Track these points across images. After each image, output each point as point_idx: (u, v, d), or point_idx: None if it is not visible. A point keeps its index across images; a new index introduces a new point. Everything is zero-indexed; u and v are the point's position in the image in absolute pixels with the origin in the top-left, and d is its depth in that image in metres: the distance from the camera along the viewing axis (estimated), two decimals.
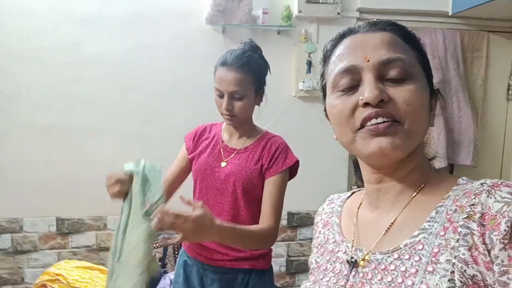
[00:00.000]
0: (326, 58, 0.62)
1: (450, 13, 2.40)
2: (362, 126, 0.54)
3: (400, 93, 0.53)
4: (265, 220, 1.28)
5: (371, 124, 0.53)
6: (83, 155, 2.25)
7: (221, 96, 1.30)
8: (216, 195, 1.35)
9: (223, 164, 1.36)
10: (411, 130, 0.53)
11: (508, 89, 2.59)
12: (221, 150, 1.39)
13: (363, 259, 0.58)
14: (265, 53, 2.32)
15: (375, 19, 0.61)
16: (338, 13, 2.32)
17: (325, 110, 0.63)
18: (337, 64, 0.58)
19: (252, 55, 1.33)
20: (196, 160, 1.42)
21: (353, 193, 0.71)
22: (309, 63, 2.34)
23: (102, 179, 2.19)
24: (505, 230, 0.45)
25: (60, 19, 2.18)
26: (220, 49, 2.31)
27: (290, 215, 2.48)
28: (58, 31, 2.18)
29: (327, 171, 2.49)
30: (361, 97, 0.54)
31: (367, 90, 0.53)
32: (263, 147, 1.36)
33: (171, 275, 2.12)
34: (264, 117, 2.35)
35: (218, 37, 2.30)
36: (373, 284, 0.55)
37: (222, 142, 1.41)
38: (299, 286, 2.77)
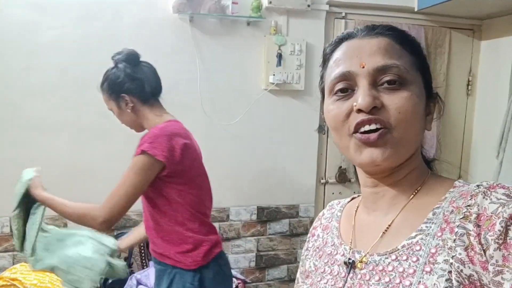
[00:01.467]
0: (325, 62, 0.63)
1: (416, 9, 2.45)
2: (355, 130, 0.55)
3: (393, 101, 0.54)
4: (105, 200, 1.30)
5: (363, 132, 0.54)
6: (36, 152, 2.09)
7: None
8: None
9: None
10: (402, 137, 0.54)
11: (468, 85, 2.70)
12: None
13: (360, 261, 0.58)
14: (235, 44, 2.30)
15: (371, 24, 0.61)
16: (308, 5, 2.30)
17: (323, 113, 0.64)
18: (333, 69, 0.59)
19: (109, 72, 1.45)
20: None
21: (352, 198, 0.73)
22: (279, 56, 2.31)
23: (60, 178, 2.08)
24: (499, 230, 0.46)
25: (10, 2, 2.00)
26: (187, 40, 2.24)
27: (260, 209, 2.45)
28: (7, 16, 2.00)
29: (296, 165, 2.48)
30: (355, 103, 0.55)
31: (361, 97, 0.54)
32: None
33: (137, 275, 2.04)
34: (233, 110, 2.33)
35: (186, 27, 2.21)
36: (371, 285, 0.55)
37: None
38: (269, 281, 2.78)
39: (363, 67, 0.55)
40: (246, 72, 2.34)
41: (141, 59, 2.16)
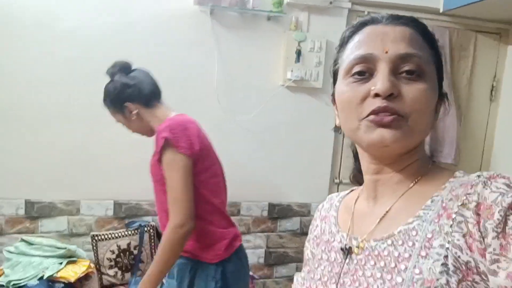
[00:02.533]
0: (343, 44, 0.62)
1: (441, 10, 2.39)
2: (368, 116, 0.55)
3: (410, 91, 0.54)
4: (169, 209, 1.30)
5: (377, 116, 0.54)
6: (45, 141, 2.11)
7: None
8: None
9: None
10: (414, 127, 0.54)
11: (492, 90, 2.62)
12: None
13: (357, 247, 0.59)
14: (254, 39, 2.28)
15: (395, 14, 0.59)
16: (330, 2, 2.27)
17: (332, 95, 0.64)
18: (354, 51, 0.58)
19: (105, 88, 1.49)
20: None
21: (352, 190, 0.73)
22: (299, 52, 2.28)
23: (75, 161, 2.10)
24: (498, 219, 0.46)
25: None
26: (206, 33, 2.23)
27: (271, 206, 2.44)
28: (23, 5, 2.01)
29: (310, 164, 2.45)
30: (373, 87, 0.54)
31: (380, 82, 0.54)
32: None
33: None
34: (249, 105, 2.32)
35: (206, 19, 2.20)
36: (366, 270, 0.56)
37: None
38: (277, 278, 2.76)
39: (386, 52, 0.55)
40: (263, 67, 2.32)
41: (160, 50, 2.20)
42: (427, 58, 0.56)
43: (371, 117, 0.54)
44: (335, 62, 0.64)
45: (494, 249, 0.45)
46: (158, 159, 1.34)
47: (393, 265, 0.52)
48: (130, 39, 2.14)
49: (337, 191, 2.71)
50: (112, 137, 2.18)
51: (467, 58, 2.52)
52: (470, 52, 2.52)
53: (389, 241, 0.55)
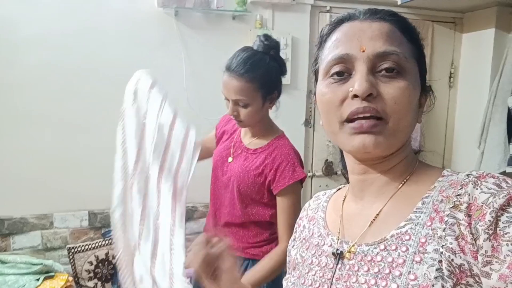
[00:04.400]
0: (321, 42, 0.60)
1: (399, 3, 2.48)
2: (348, 119, 0.54)
3: (390, 90, 0.52)
4: (279, 240, 1.28)
5: (357, 119, 0.53)
6: (21, 146, 2.04)
7: (227, 100, 1.27)
8: (221, 188, 1.37)
9: (230, 159, 1.35)
10: (396, 128, 0.53)
11: (450, 77, 2.75)
12: (233, 144, 1.38)
13: (348, 251, 0.57)
14: (220, 38, 2.29)
15: (373, 8, 0.58)
16: None
17: (315, 94, 0.62)
18: (331, 51, 0.56)
19: (259, 60, 1.24)
20: (216, 149, 1.44)
21: (338, 189, 0.72)
22: None
23: (44, 172, 2.04)
24: (489, 221, 0.45)
25: None
26: (172, 34, 2.22)
27: None
28: None
29: None
30: (350, 89, 0.53)
31: (357, 83, 0.52)
32: (270, 155, 1.30)
33: None
34: (220, 105, 2.31)
35: (170, 21, 2.19)
36: (360, 276, 0.54)
37: (239, 136, 1.39)
38: None
39: (363, 51, 0.53)
40: None
41: (126, 53, 2.16)
42: (406, 54, 0.54)
43: (351, 124, 0.53)
44: (315, 61, 0.62)
45: (486, 251, 0.45)
46: (285, 182, 1.26)
47: (387, 271, 0.51)
48: (96, 42, 2.10)
49: (311, 184, 2.75)
50: (82, 145, 2.13)
51: (425, 47, 2.62)
52: (428, 42, 2.63)
53: (382, 246, 0.53)
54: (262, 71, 1.23)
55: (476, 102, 2.57)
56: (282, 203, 1.30)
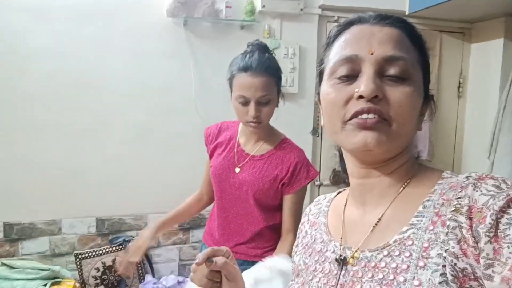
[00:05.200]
0: (329, 43, 0.61)
1: (407, 13, 2.48)
2: (351, 118, 0.54)
3: (395, 94, 0.53)
4: (287, 233, 1.32)
5: (360, 118, 0.53)
6: (29, 155, 2.08)
7: (245, 103, 1.25)
8: (231, 200, 1.35)
9: (237, 170, 1.34)
10: (398, 131, 0.53)
11: (459, 87, 2.74)
12: (235, 154, 1.37)
13: (352, 257, 0.57)
14: (229, 48, 2.31)
15: (384, 13, 0.58)
16: (301, 9, 2.32)
17: (318, 94, 0.62)
18: (339, 51, 0.56)
19: (270, 57, 1.29)
20: (213, 162, 1.40)
21: (339, 193, 0.71)
22: None
23: (53, 178, 2.07)
24: (490, 223, 0.45)
25: (1, 6, 1.99)
26: (181, 44, 2.25)
27: None
28: None
29: None
30: (356, 89, 0.53)
31: (364, 84, 0.52)
32: (281, 159, 1.32)
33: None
34: (228, 113, 2.32)
35: (179, 30, 2.22)
36: (364, 283, 0.53)
37: (238, 145, 1.38)
38: None
39: (372, 54, 0.53)
40: None
41: (136, 63, 2.20)
42: (413, 61, 0.55)
43: (355, 120, 0.53)
44: (321, 61, 0.62)
45: (487, 254, 0.45)
46: (300, 184, 1.31)
47: (391, 277, 0.51)
48: (105, 52, 2.14)
49: (318, 193, 2.75)
50: (91, 153, 2.16)
51: (434, 57, 2.63)
52: (437, 51, 2.63)
53: (385, 252, 0.53)
54: (276, 67, 1.29)
55: (485, 112, 2.55)
56: (291, 201, 1.33)
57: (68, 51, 2.09)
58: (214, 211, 1.46)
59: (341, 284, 0.56)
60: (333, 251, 0.61)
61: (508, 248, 0.44)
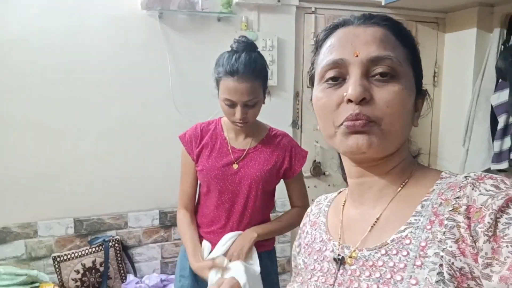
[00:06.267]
0: (317, 48, 0.62)
1: (383, 3, 2.50)
2: (342, 123, 0.54)
3: (382, 94, 0.53)
4: (299, 202, 1.47)
5: (350, 121, 0.53)
6: (3, 152, 1.99)
7: (231, 105, 1.26)
8: (230, 198, 1.36)
9: (235, 166, 1.35)
10: (388, 130, 0.53)
11: (434, 76, 2.79)
12: (230, 152, 1.37)
13: (350, 256, 0.57)
14: (206, 40, 2.27)
15: (368, 13, 0.59)
16: (278, 1, 2.30)
17: (311, 100, 0.62)
18: (326, 56, 0.57)
19: (257, 57, 1.29)
20: (203, 165, 1.38)
21: (339, 192, 0.72)
22: None
23: (27, 179, 1.99)
24: (489, 223, 0.45)
25: None
26: (157, 37, 2.19)
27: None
28: None
29: None
30: (345, 93, 0.54)
31: (351, 87, 0.53)
32: (275, 146, 1.39)
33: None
34: (206, 107, 2.31)
35: (155, 23, 2.16)
36: (362, 281, 0.54)
37: (228, 143, 1.38)
38: None
39: (357, 56, 0.54)
40: None
41: (111, 56, 2.13)
42: (400, 58, 0.55)
43: (345, 124, 0.53)
44: (311, 66, 0.63)
45: (486, 253, 0.45)
46: (300, 164, 1.41)
47: (388, 276, 0.51)
48: (79, 45, 2.07)
49: None
50: (66, 150, 2.09)
51: None
52: None
53: (383, 251, 0.53)
54: (262, 68, 1.29)
55: (460, 100, 2.61)
56: (297, 183, 1.45)
57: (40, 44, 2.00)
58: (207, 210, 1.42)
59: (339, 283, 0.57)
60: (332, 250, 0.61)
61: (507, 247, 0.44)
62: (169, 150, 2.16)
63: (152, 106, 2.21)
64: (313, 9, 2.47)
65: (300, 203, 1.47)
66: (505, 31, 2.34)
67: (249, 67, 1.23)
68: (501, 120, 2.26)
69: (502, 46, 2.33)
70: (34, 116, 2.02)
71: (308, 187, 2.65)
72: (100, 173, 2.15)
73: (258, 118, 1.39)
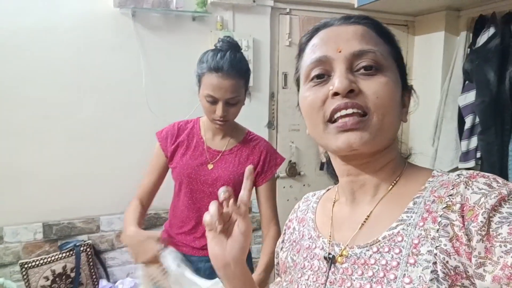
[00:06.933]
0: (300, 51, 0.62)
1: (355, 6, 2.55)
2: (331, 117, 0.54)
3: (370, 85, 0.53)
4: (269, 223, 1.38)
5: (340, 117, 0.52)
6: None
7: (213, 102, 1.24)
8: (203, 198, 1.34)
9: (210, 166, 1.34)
10: (381, 124, 0.53)
11: None
12: (205, 152, 1.35)
13: (340, 255, 0.56)
14: (180, 40, 2.24)
15: (347, 14, 0.60)
16: (254, 1, 2.30)
17: (298, 104, 0.62)
18: (310, 56, 0.58)
19: (241, 57, 1.29)
20: (177, 163, 1.35)
21: (328, 189, 0.71)
22: None
23: None
24: (482, 222, 0.45)
25: None
26: (129, 36, 2.14)
27: None
28: None
29: None
30: (331, 87, 0.53)
31: (337, 80, 0.53)
32: (251, 151, 1.37)
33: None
34: (181, 108, 2.27)
35: (128, 22, 2.11)
36: (354, 280, 0.53)
37: (205, 143, 1.36)
38: None
39: (340, 52, 0.54)
40: (192, 68, 2.28)
41: (82, 55, 2.06)
42: (383, 53, 0.55)
43: (335, 124, 0.53)
44: (296, 70, 0.63)
45: (479, 253, 0.44)
46: (272, 172, 1.38)
47: (381, 274, 0.50)
48: (49, 43, 1.99)
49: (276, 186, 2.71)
50: (35, 152, 2.01)
51: None
52: None
53: (374, 248, 0.53)
54: (246, 68, 1.30)
55: (429, 101, 2.69)
56: (267, 188, 1.38)
57: (7, 41, 1.91)
58: (177, 213, 1.40)
59: (330, 282, 0.56)
60: (322, 248, 0.60)
61: (500, 247, 0.43)
62: (142, 151, 2.10)
63: (125, 107, 2.16)
64: (288, 10, 2.49)
65: (273, 222, 1.38)
66: (471, 35, 2.43)
67: (234, 65, 1.23)
68: (468, 120, 2.34)
69: (469, 49, 2.42)
70: (1, 117, 1.93)
71: (284, 187, 2.69)
72: (71, 176, 2.08)
73: (236, 119, 1.39)
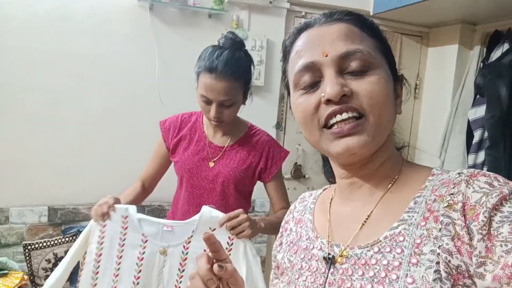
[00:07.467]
0: (285, 54, 0.60)
1: (371, 13, 2.55)
2: (326, 123, 0.53)
3: (362, 86, 0.52)
4: (282, 209, 1.38)
5: (336, 122, 0.52)
6: None
7: (207, 102, 1.22)
8: (203, 193, 1.33)
9: (211, 164, 1.33)
10: (378, 123, 0.52)
11: (415, 88, 2.87)
12: (207, 148, 1.34)
13: (340, 255, 0.55)
14: (195, 36, 2.27)
15: (329, 11, 0.58)
16: (270, 2, 2.32)
17: (291, 108, 0.61)
18: (296, 62, 0.56)
19: (240, 57, 1.24)
20: (179, 157, 1.36)
21: (324, 189, 0.70)
22: None
23: (4, 164, 1.94)
24: (483, 221, 0.45)
25: None
26: (146, 29, 2.17)
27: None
28: None
29: None
30: (322, 94, 0.52)
31: (328, 86, 0.51)
32: (253, 146, 1.34)
33: None
34: (192, 103, 2.28)
35: (145, 15, 2.14)
36: (354, 281, 0.52)
37: (207, 138, 1.36)
38: None
39: (326, 56, 0.53)
40: None
41: (96, 45, 2.10)
42: (370, 49, 0.54)
43: (331, 129, 0.52)
44: (284, 74, 0.62)
45: (480, 252, 0.44)
46: (277, 166, 1.37)
47: (383, 274, 0.49)
48: (65, 32, 2.02)
49: None
50: (44, 138, 2.04)
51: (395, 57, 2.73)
52: (397, 52, 2.73)
53: (376, 248, 0.52)
54: (244, 69, 1.25)
55: (438, 113, 2.69)
56: (275, 183, 1.38)
57: (23, 28, 1.95)
58: (179, 206, 1.42)
59: (329, 283, 0.55)
60: (320, 249, 0.59)
61: (501, 246, 0.43)
62: (150, 143, 2.12)
63: (136, 99, 2.19)
64: (303, 13, 2.51)
65: (285, 204, 1.40)
66: (485, 49, 2.43)
67: (229, 66, 1.18)
68: (477, 135, 2.34)
69: (482, 64, 2.42)
70: (14, 103, 1.97)
71: (288, 189, 2.67)
72: (79, 163, 2.11)
73: (242, 116, 1.39)
